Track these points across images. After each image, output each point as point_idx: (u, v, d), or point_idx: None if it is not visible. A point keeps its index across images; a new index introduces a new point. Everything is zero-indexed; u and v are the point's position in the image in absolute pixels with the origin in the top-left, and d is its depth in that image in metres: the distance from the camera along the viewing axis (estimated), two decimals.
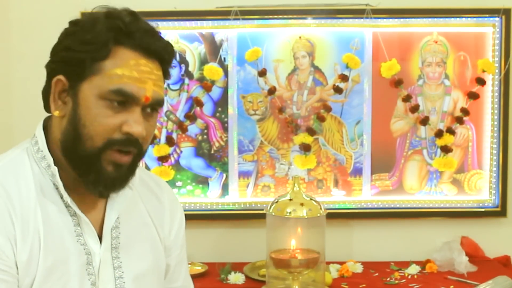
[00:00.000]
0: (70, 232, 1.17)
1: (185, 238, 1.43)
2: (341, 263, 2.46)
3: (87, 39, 1.12)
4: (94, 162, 1.13)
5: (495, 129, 2.57)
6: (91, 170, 1.13)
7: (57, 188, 1.17)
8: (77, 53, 1.12)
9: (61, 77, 1.14)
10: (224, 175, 2.60)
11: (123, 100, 1.12)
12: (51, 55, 1.18)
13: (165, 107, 2.55)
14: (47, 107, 1.20)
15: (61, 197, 1.17)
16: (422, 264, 2.47)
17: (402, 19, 2.55)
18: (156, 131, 2.55)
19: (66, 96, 1.15)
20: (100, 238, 1.21)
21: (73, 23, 1.17)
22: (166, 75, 1.22)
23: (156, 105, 1.17)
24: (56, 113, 1.15)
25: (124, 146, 1.13)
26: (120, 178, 1.16)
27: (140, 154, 1.18)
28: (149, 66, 1.14)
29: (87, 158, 1.13)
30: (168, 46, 1.19)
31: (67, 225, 1.17)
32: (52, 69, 1.16)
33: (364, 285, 2.31)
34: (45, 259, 1.13)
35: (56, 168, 1.16)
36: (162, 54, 1.17)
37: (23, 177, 1.16)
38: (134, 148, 1.15)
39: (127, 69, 1.12)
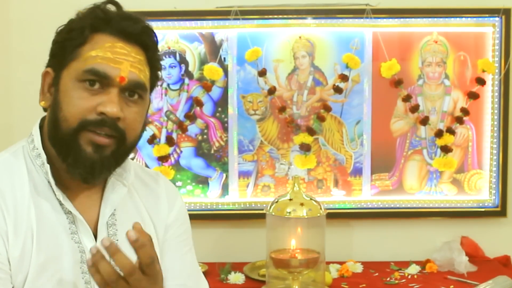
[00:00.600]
0: (65, 229, 1.18)
1: (190, 233, 1.40)
2: (341, 263, 2.46)
3: (68, 29, 1.17)
4: (71, 143, 1.13)
5: (495, 129, 2.57)
6: (70, 151, 1.14)
7: (51, 186, 1.17)
8: (59, 43, 1.17)
9: (48, 69, 1.18)
10: (224, 175, 2.60)
11: (96, 79, 1.13)
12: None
13: (165, 107, 2.55)
14: (44, 108, 1.23)
15: (56, 195, 1.18)
16: (422, 264, 2.47)
17: (402, 19, 2.55)
18: (156, 131, 2.55)
19: (52, 87, 1.18)
20: (96, 236, 1.21)
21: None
22: (154, 63, 1.22)
23: (135, 87, 1.16)
24: (42, 103, 1.19)
25: (98, 127, 1.13)
26: (101, 161, 1.15)
27: (122, 140, 1.16)
28: (126, 49, 1.15)
29: (65, 140, 1.14)
30: (146, 29, 1.19)
31: (61, 222, 1.17)
32: (46, 67, 1.21)
33: (364, 285, 2.31)
34: (38, 256, 1.13)
35: (49, 166, 1.16)
36: (140, 37, 1.17)
37: (17, 175, 1.17)
38: (112, 130, 1.14)
39: (101, 50, 1.14)
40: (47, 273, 1.14)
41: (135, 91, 1.17)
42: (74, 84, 1.13)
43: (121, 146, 1.17)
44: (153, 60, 1.22)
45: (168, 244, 1.34)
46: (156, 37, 1.22)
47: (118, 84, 1.13)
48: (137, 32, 1.17)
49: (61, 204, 1.18)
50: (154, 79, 1.25)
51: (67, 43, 1.15)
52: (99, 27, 1.15)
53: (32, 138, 1.21)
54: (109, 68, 1.13)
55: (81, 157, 1.13)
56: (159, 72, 1.26)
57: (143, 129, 1.24)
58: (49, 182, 1.17)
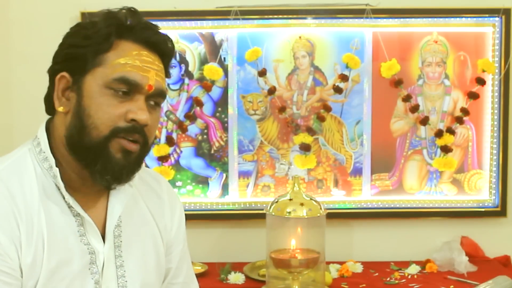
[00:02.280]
0: (74, 232, 1.18)
1: (185, 234, 1.43)
2: (341, 263, 2.46)
3: (89, 34, 1.15)
4: (101, 151, 1.13)
5: (495, 129, 2.57)
6: (98, 158, 1.14)
7: (59, 189, 1.17)
8: (79, 48, 1.15)
9: (64, 73, 1.16)
10: (224, 175, 2.60)
11: (126, 88, 1.14)
12: (53, 58, 1.20)
13: (165, 107, 2.55)
14: (49, 110, 1.21)
15: (64, 197, 1.17)
16: (422, 264, 2.47)
17: (402, 19, 2.55)
18: (156, 131, 2.55)
19: (70, 92, 1.16)
20: (103, 237, 1.21)
21: (74, 26, 1.21)
22: (167, 73, 1.24)
23: (158, 96, 1.19)
24: (60, 108, 1.16)
25: (130, 134, 1.15)
26: (128, 167, 1.17)
27: (146, 145, 1.19)
28: (151, 57, 1.17)
29: (94, 147, 1.13)
30: (167, 40, 1.22)
31: (70, 225, 1.18)
32: (56, 69, 1.18)
33: (364, 285, 2.31)
34: (49, 261, 1.13)
35: (57, 169, 1.16)
36: (162, 47, 1.20)
37: (26, 179, 1.16)
38: (140, 136, 1.16)
39: (130, 58, 1.15)
40: (58, 276, 1.14)
41: (157, 100, 1.20)
42: (102, 91, 1.13)
43: (144, 151, 1.20)
44: (168, 68, 1.25)
45: (172, 245, 1.37)
46: (174, 47, 1.25)
47: (146, 92, 1.16)
48: (160, 42, 1.19)
49: (69, 206, 1.18)
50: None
51: (90, 48, 1.14)
52: (123, 34, 1.16)
53: (38, 141, 1.20)
54: (139, 76, 1.15)
55: (111, 164, 1.14)
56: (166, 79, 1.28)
57: None
58: (56, 185, 1.17)
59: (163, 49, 1.20)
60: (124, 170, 1.16)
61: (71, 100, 1.16)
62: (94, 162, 1.14)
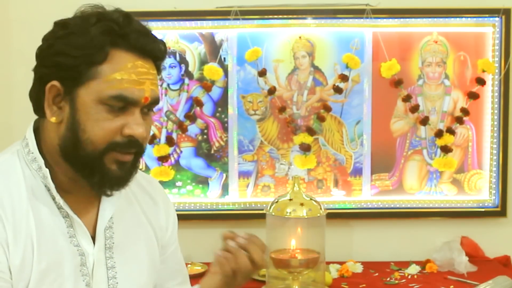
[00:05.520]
0: (63, 233, 1.17)
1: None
2: (341, 263, 2.46)
3: (82, 44, 1.10)
4: (97, 165, 1.13)
5: (495, 129, 2.57)
6: (95, 172, 1.14)
7: (48, 190, 1.17)
8: (71, 58, 1.10)
9: (55, 82, 1.12)
10: (224, 175, 2.60)
11: (123, 105, 1.12)
12: (40, 58, 1.16)
13: (165, 107, 2.55)
14: (37, 111, 1.18)
15: (53, 199, 1.17)
16: (422, 264, 2.47)
17: (402, 19, 2.55)
18: (156, 131, 2.55)
19: (61, 101, 1.13)
20: (94, 238, 1.21)
21: (61, 25, 1.15)
22: (159, 72, 1.22)
23: (153, 104, 1.17)
24: (53, 119, 1.14)
25: (126, 148, 1.14)
26: (125, 176, 1.17)
27: (140, 152, 1.18)
28: (145, 67, 1.14)
29: (90, 162, 1.13)
30: (162, 45, 1.19)
31: (59, 227, 1.17)
32: (44, 74, 1.14)
33: (364, 285, 2.31)
34: (39, 263, 1.13)
35: (47, 170, 1.15)
36: (157, 54, 1.17)
37: (14, 180, 1.15)
38: (137, 148, 1.16)
39: (125, 73, 1.11)
40: (48, 278, 1.14)
41: (150, 107, 1.18)
42: (97, 106, 1.11)
43: (139, 156, 1.19)
44: (159, 70, 1.21)
45: (167, 245, 1.37)
46: (166, 48, 1.22)
47: (142, 104, 1.14)
48: (155, 49, 1.16)
49: (59, 208, 1.17)
50: None
51: (83, 59, 1.10)
52: (116, 42, 1.11)
53: (26, 142, 1.19)
54: (136, 91, 1.12)
55: (107, 176, 1.14)
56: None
57: None
58: (45, 186, 1.17)
59: (157, 55, 1.18)
60: (121, 180, 1.17)
61: (64, 109, 1.13)
62: (91, 175, 1.14)
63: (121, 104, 1.12)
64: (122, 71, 1.11)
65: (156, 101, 1.17)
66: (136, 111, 1.13)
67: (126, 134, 1.13)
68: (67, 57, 1.11)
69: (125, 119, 1.13)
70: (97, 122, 1.11)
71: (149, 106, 1.17)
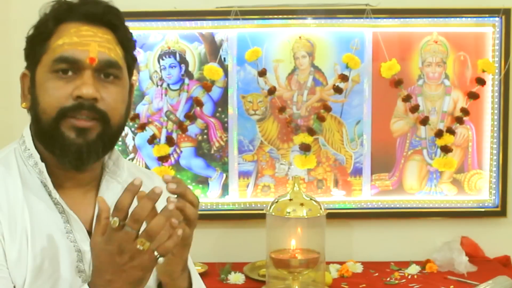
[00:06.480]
0: (60, 229, 1.17)
1: None
2: (341, 263, 2.46)
3: (35, 26, 1.18)
4: (54, 133, 1.13)
5: (495, 129, 2.57)
6: (54, 141, 1.14)
7: (45, 186, 1.17)
8: (30, 42, 1.18)
9: (25, 71, 1.19)
10: (224, 175, 2.60)
11: (67, 67, 1.13)
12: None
13: (165, 107, 2.55)
14: None
15: (50, 194, 1.17)
16: (422, 264, 2.47)
17: (402, 19, 2.55)
18: (156, 131, 2.55)
19: (31, 88, 1.18)
20: (91, 234, 1.20)
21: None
22: (126, 42, 1.20)
23: (107, 67, 1.15)
24: (23, 105, 1.19)
25: (77, 112, 1.12)
26: (87, 145, 1.14)
27: (106, 121, 1.15)
28: (91, 31, 1.15)
29: (47, 131, 1.14)
30: (109, 8, 1.18)
31: (56, 222, 1.17)
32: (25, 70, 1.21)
33: (364, 285, 2.31)
34: (34, 258, 1.13)
35: (43, 164, 1.16)
36: (104, 17, 1.17)
37: (9, 177, 1.16)
38: (92, 112, 1.13)
39: (67, 37, 1.14)
40: (45, 274, 1.14)
41: (109, 71, 1.16)
42: (47, 76, 1.13)
43: (107, 129, 1.16)
44: (124, 39, 1.20)
45: None
46: (122, 16, 1.21)
47: (89, 65, 1.13)
48: (100, 12, 1.16)
49: (55, 203, 1.17)
50: (130, 59, 1.23)
51: (35, 40, 1.16)
52: (63, 17, 1.16)
53: (23, 139, 1.21)
54: (77, 52, 1.13)
55: (66, 144, 1.13)
56: (134, 53, 1.24)
57: (128, 111, 1.23)
58: (42, 182, 1.17)
59: (107, 20, 1.17)
60: (83, 149, 1.13)
61: (31, 93, 1.18)
62: (53, 146, 1.14)
63: (63, 66, 1.13)
64: (64, 37, 1.14)
65: (111, 64, 1.15)
66: (86, 74, 1.13)
67: (74, 96, 1.12)
68: (28, 43, 1.19)
69: (75, 83, 1.13)
70: (47, 91, 1.13)
71: (105, 70, 1.15)
